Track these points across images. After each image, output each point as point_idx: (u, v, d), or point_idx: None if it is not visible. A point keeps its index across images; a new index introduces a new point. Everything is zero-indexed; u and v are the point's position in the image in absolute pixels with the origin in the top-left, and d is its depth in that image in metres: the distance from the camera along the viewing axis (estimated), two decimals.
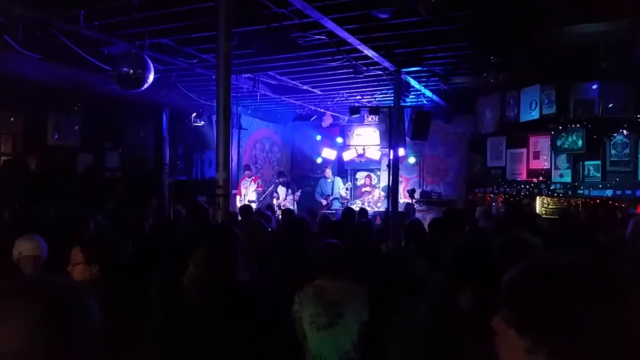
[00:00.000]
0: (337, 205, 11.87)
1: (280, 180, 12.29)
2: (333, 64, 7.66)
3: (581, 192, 8.76)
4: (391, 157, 8.20)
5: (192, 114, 10.34)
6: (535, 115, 9.21)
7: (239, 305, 2.47)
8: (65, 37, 6.04)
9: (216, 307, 2.43)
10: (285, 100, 11.02)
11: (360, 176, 13.78)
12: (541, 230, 5.54)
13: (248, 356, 2.45)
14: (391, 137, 8.12)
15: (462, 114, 11.68)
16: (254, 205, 9.85)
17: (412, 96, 10.26)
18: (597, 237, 5.31)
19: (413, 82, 8.83)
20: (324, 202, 12.01)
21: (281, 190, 12.14)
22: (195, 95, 9.77)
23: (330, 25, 5.71)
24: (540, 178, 9.54)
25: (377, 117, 10.03)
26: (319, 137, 13.94)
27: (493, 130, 10.61)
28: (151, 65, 6.19)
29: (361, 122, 13.45)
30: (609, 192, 8.39)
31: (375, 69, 8.01)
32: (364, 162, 13.99)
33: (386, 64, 7.52)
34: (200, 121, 10.43)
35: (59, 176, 8.64)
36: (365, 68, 7.94)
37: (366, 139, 13.85)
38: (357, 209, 8.75)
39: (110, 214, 6.88)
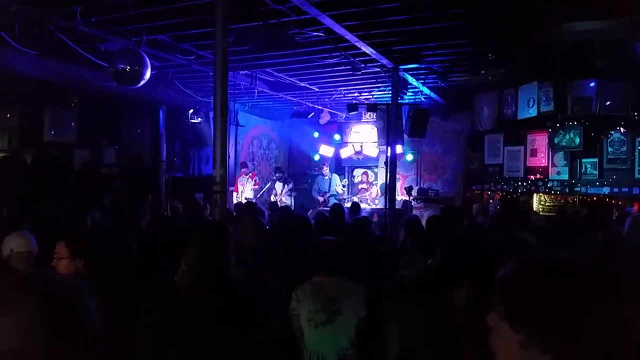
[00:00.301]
0: (333, 202, 11.86)
1: (277, 176, 12.28)
2: (331, 60, 7.65)
3: (578, 189, 8.78)
4: (389, 154, 8.20)
5: (189, 110, 10.32)
6: (532, 112, 9.22)
7: (231, 303, 2.47)
8: (61, 33, 6.02)
9: (208, 306, 2.43)
10: (282, 97, 11.01)
11: (358, 173, 13.78)
12: (538, 227, 5.55)
13: (240, 354, 2.44)
14: (389, 135, 8.12)
15: (460, 111, 11.68)
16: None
17: (410, 93, 10.26)
18: (594, 234, 5.33)
19: (411, 79, 8.83)
20: (321, 199, 12.01)
21: (278, 186, 12.13)
22: (193, 92, 9.75)
23: (328, 22, 5.70)
24: (538, 175, 9.56)
25: (375, 114, 10.01)
26: (316, 134, 13.94)
27: (491, 128, 10.62)
28: (148, 62, 6.18)
29: (359, 119, 13.46)
30: (606, 190, 8.41)
31: (373, 66, 8.01)
32: (362, 160, 13.98)
33: (384, 61, 7.51)
34: (197, 118, 10.41)
35: (55, 173, 8.61)
36: (363, 65, 7.94)
37: (364, 136, 13.85)
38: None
39: (107, 210, 6.87)
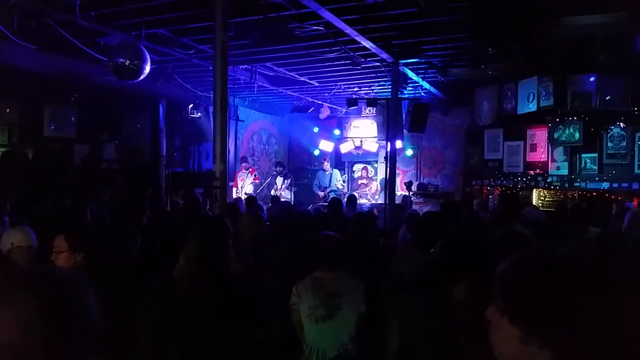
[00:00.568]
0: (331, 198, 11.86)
1: (278, 170, 12.26)
2: (330, 55, 7.63)
3: (578, 184, 8.78)
4: (388, 149, 8.20)
5: (189, 105, 10.30)
6: (532, 107, 9.21)
7: (230, 299, 2.47)
8: (60, 27, 6.00)
9: (207, 301, 2.43)
10: (282, 92, 10.99)
11: (357, 168, 13.77)
12: (537, 222, 5.55)
13: (239, 349, 2.44)
14: (388, 129, 8.12)
15: (460, 106, 11.67)
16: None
17: (410, 88, 10.24)
18: (592, 229, 5.32)
19: (411, 74, 8.81)
20: (321, 194, 12.00)
21: (279, 180, 12.13)
22: (192, 87, 9.74)
23: (328, 15, 5.68)
24: (537, 170, 9.56)
25: (375, 109, 10.04)
26: (316, 129, 13.92)
27: (490, 123, 10.61)
28: (147, 56, 6.16)
29: (359, 114, 13.44)
30: (606, 185, 8.42)
31: (373, 61, 7.99)
32: (361, 154, 13.98)
33: (384, 55, 7.50)
34: (197, 113, 10.40)
35: (55, 168, 8.61)
36: (362, 59, 7.92)
37: (363, 131, 13.84)
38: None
39: (107, 205, 6.87)
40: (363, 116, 13.60)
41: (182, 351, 2.35)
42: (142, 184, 9.17)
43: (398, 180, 11.21)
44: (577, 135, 8.58)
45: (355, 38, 6.59)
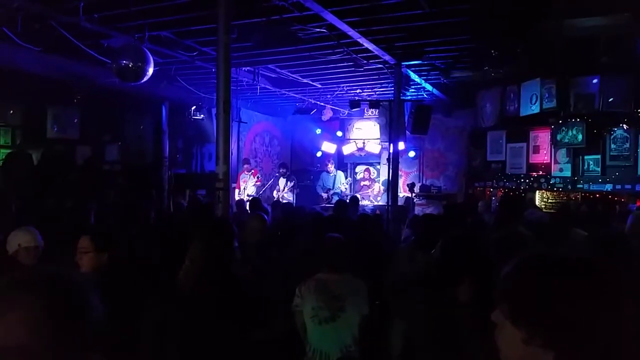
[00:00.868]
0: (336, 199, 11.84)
1: (281, 171, 12.26)
2: (333, 57, 7.64)
3: (581, 186, 8.76)
4: (391, 150, 8.20)
5: (192, 107, 10.32)
6: (535, 109, 9.20)
7: (233, 299, 2.47)
8: (64, 29, 6.02)
9: (210, 302, 2.43)
10: (285, 94, 11.00)
11: (360, 170, 13.77)
12: (540, 224, 5.54)
13: (243, 350, 2.45)
14: (391, 131, 8.12)
15: (463, 107, 11.66)
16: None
17: (413, 90, 10.25)
18: (596, 231, 5.30)
19: (413, 76, 8.82)
20: (325, 196, 12.00)
21: (281, 182, 12.13)
22: (195, 88, 9.75)
23: (331, 18, 5.69)
24: (540, 172, 9.54)
25: (377, 110, 10.03)
26: (318, 131, 13.92)
27: (493, 124, 10.60)
28: (151, 58, 6.18)
29: (361, 115, 13.44)
30: (609, 187, 8.39)
31: (376, 63, 7.99)
32: (364, 156, 13.98)
33: (386, 57, 7.50)
34: (200, 114, 10.42)
35: (60, 170, 8.63)
36: (365, 61, 7.92)
37: (366, 132, 13.84)
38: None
39: (110, 206, 6.89)
40: (365, 118, 13.61)
41: (184, 351, 2.36)
42: (145, 186, 9.19)
43: (401, 181, 11.21)
44: (580, 137, 8.56)
45: (358, 40, 6.59)
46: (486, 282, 2.33)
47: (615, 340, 1.03)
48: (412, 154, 12.80)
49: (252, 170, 11.80)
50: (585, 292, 1.05)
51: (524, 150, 9.98)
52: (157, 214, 6.63)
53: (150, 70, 6.20)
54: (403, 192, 11.35)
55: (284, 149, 14.74)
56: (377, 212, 9.49)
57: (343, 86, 10.40)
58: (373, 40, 6.74)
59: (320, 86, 10.28)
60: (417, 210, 10.14)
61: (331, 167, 12.43)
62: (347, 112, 12.76)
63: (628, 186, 8.20)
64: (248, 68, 8.88)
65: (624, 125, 8.30)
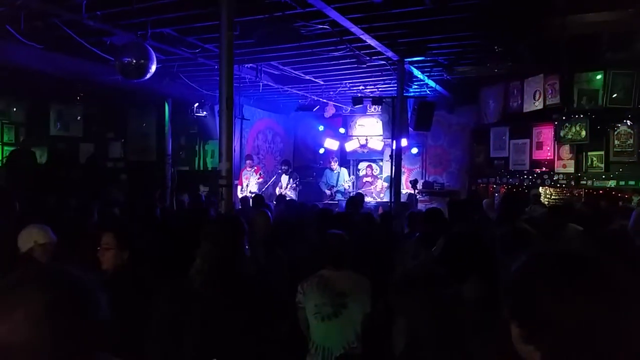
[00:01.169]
0: (339, 197, 11.84)
1: (284, 168, 12.25)
2: (336, 53, 7.62)
3: (584, 182, 8.74)
4: (394, 147, 8.18)
5: (195, 104, 10.32)
6: (538, 105, 9.17)
7: (242, 297, 2.47)
8: (67, 27, 6.03)
9: (219, 300, 2.43)
10: (287, 91, 10.99)
11: (362, 167, 13.75)
12: (542, 221, 5.52)
13: (249, 346, 2.45)
14: (394, 128, 8.10)
15: (466, 104, 11.62)
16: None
17: (415, 86, 10.22)
18: (600, 228, 5.29)
19: (416, 72, 8.79)
20: (328, 193, 11.99)
21: (284, 178, 12.12)
22: (198, 86, 9.75)
23: (333, 14, 5.68)
24: (544, 168, 9.52)
25: (380, 107, 9.98)
26: (321, 128, 13.91)
27: (496, 121, 10.58)
28: (153, 55, 6.18)
29: (364, 112, 13.43)
30: (612, 183, 8.37)
31: (379, 59, 7.97)
32: (367, 153, 13.96)
33: (389, 53, 7.48)
34: (202, 111, 10.41)
35: (61, 166, 8.66)
36: (368, 58, 7.90)
37: (369, 129, 13.82)
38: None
39: (113, 203, 6.90)
40: (368, 114, 13.59)
41: (193, 348, 2.36)
42: (149, 183, 9.21)
43: (403, 178, 11.20)
44: (583, 133, 8.53)
45: (361, 36, 6.58)
46: (490, 279, 2.33)
47: (613, 345, 1.02)
48: (414, 150, 12.78)
49: (255, 167, 11.79)
50: (576, 294, 1.05)
51: (527, 147, 9.96)
52: (162, 211, 6.65)
53: (153, 68, 6.21)
54: (406, 189, 11.34)
55: (286, 145, 14.73)
56: (380, 208, 9.51)
57: (346, 83, 10.38)
58: (376, 36, 6.72)
59: (322, 83, 10.27)
60: (420, 207, 10.12)
61: (335, 164, 12.40)
62: (349, 108, 12.74)
63: (632, 182, 8.19)
64: (251, 65, 8.87)
65: (628, 121, 8.27)
